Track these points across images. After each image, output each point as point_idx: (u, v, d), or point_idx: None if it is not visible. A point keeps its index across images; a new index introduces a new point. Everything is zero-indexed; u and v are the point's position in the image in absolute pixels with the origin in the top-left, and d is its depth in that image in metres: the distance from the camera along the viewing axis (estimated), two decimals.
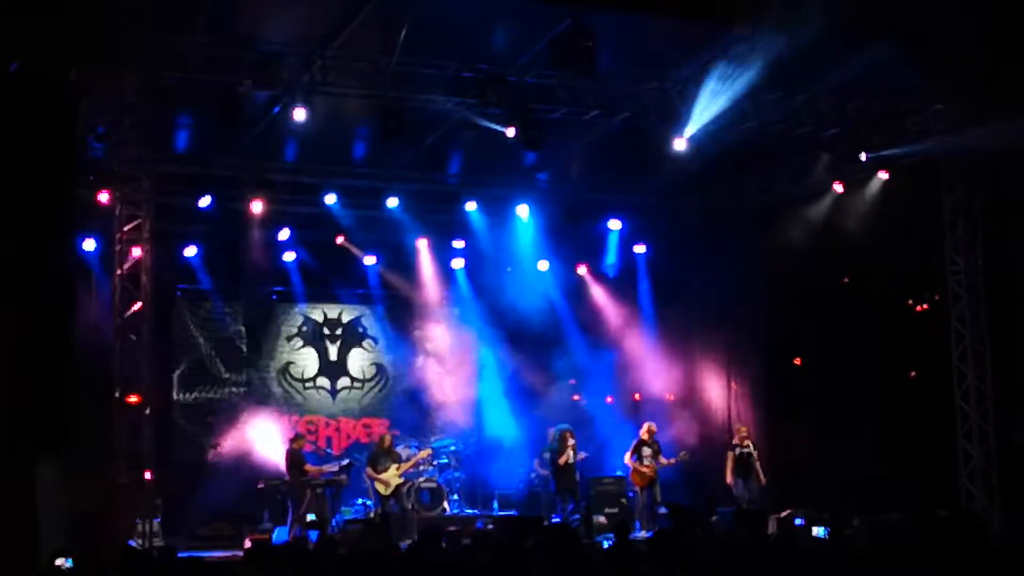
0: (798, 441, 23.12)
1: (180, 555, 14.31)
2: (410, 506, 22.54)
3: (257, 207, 22.96)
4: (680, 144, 20.43)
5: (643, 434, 22.71)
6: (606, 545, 16.98)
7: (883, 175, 22.10)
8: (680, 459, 22.64)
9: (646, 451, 22.43)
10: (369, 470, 22.41)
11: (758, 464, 22.41)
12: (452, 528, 19.30)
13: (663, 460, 22.41)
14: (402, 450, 23.39)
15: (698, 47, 18.82)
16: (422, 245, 25.85)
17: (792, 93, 20.20)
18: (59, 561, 15.35)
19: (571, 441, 22.23)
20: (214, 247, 24.29)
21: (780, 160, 23.34)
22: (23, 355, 15.89)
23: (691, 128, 19.98)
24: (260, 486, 22.86)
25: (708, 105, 19.42)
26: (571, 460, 22.12)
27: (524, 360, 25.83)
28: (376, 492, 22.38)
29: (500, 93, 18.99)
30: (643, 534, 20.78)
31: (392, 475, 22.17)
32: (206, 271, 24.67)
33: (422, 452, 23.43)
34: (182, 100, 19.78)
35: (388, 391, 26.72)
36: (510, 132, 19.59)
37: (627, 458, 22.52)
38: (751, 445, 22.55)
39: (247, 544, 19.33)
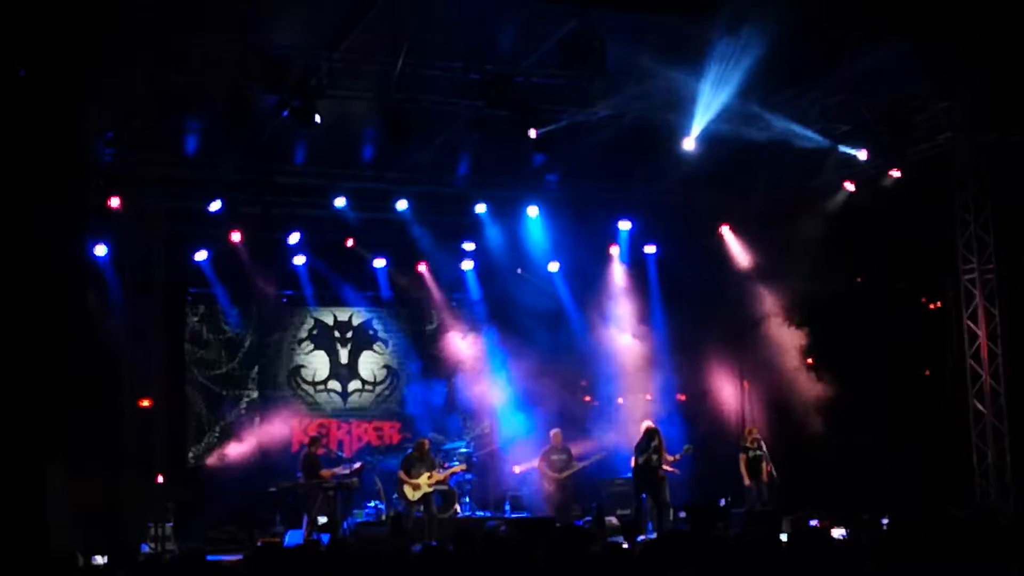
0: (811, 441, 23.04)
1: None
2: (421, 509, 22.39)
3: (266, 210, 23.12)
4: (689, 144, 20.40)
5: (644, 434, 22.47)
6: (626, 547, 16.82)
7: (894, 173, 22.04)
8: (684, 453, 22.51)
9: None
10: (401, 473, 22.17)
11: (771, 465, 22.29)
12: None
13: (668, 458, 22.18)
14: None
15: (707, 45, 18.76)
16: (432, 247, 25.81)
17: (802, 91, 20.14)
18: (96, 559, 15.31)
19: (654, 442, 21.66)
20: (224, 250, 24.27)
21: (791, 158, 23.26)
22: (32, 359, 15.86)
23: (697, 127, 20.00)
24: (272, 489, 22.78)
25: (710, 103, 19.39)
26: (653, 463, 21.54)
27: (534, 361, 25.74)
28: (404, 495, 22.13)
29: (507, 94, 18.96)
30: (655, 536, 20.66)
31: (423, 481, 21.94)
32: (216, 275, 24.66)
33: (458, 467, 23.28)
34: (191, 103, 19.79)
35: (399, 393, 26.67)
36: (533, 133, 19.62)
37: (632, 460, 22.31)
38: (762, 446, 22.44)
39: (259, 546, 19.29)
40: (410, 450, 23.05)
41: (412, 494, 21.90)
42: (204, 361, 25.18)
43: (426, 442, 22.87)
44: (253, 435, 24.79)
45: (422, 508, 22.13)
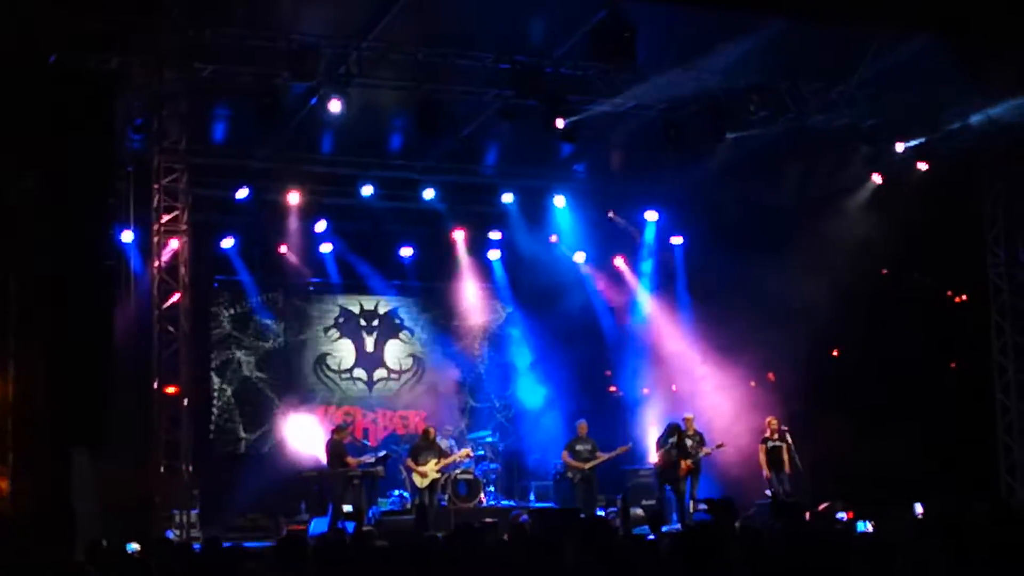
0: (836, 434, 22.96)
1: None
2: (447, 498, 22.48)
3: (294, 198, 23.12)
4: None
5: (684, 425, 22.53)
6: (651, 538, 16.81)
7: (922, 166, 21.97)
8: (715, 448, 22.56)
9: (688, 443, 22.25)
10: (409, 461, 22.29)
11: (795, 456, 22.26)
12: (488, 520, 19.29)
13: (704, 449, 22.31)
14: (442, 442, 23.27)
15: (736, 37, 18.74)
16: (458, 236, 25.84)
17: (830, 84, 20.09)
18: (131, 547, 15.38)
19: (672, 439, 21.77)
20: (251, 239, 24.31)
21: (819, 151, 23.20)
22: (60, 347, 15.93)
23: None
24: (297, 477, 22.83)
25: None
26: (672, 458, 21.67)
27: (560, 351, 25.77)
28: (412, 483, 22.32)
29: (536, 85, 18.95)
30: (679, 527, 20.65)
31: (431, 468, 22.03)
32: (243, 262, 24.70)
33: (462, 452, 23.24)
34: (220, 92, 19.83)
35: (425, 382, 26.68)
36: (560, 123, 19.62)
37: (654, 454, 22.35)
38: (786, 437, 22.42)
39: (283, 534, 19.34)
40: (416, 438, 23.16)
41: (420, 481, 22.03)
42: (229, 348, 25.20)
43: (432, 429, 22.91)
44: (279, 423, 24.88)
45: (446, 494, 22.29)
